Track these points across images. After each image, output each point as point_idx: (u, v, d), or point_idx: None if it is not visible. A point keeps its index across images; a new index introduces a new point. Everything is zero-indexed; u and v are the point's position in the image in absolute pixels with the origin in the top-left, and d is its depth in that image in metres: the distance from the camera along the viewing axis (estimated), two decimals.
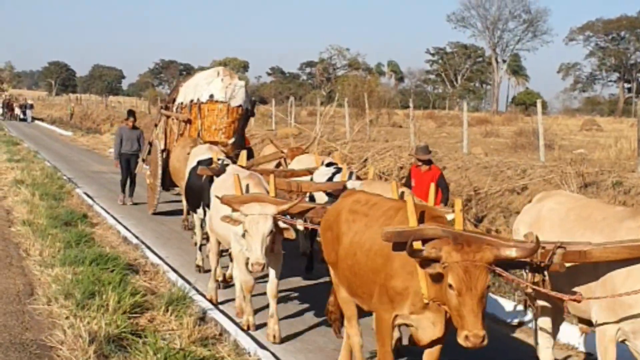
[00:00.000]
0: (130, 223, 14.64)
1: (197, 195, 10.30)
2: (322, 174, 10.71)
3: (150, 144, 16.48)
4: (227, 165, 9.73)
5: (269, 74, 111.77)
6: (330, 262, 6.72)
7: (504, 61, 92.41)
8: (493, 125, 42.76)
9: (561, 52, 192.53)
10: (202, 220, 10.70)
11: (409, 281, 5.48)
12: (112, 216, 15.10)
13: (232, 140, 14.23)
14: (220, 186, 8.74)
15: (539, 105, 20.17)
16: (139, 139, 17.46)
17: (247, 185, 8.20)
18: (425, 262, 5.13)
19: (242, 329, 8.18)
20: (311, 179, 10.68)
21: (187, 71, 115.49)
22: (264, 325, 8.22)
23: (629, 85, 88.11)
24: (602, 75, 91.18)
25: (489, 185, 15.87)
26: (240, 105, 14.78)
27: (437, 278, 5.16)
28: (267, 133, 29.55)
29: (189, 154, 11.99)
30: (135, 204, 17.30)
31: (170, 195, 17.24)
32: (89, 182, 21.08)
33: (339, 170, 10.55)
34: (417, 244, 5.22)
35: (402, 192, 7.87)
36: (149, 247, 12.32)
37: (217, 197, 8.09)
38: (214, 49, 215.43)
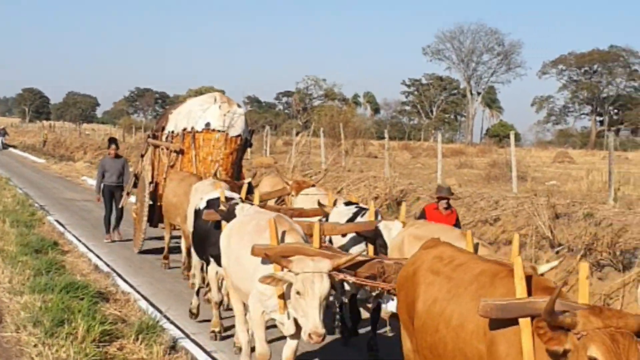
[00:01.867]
0: (102, 251, 14.51)
1: (204, 242, 8.80)
2: (341, 215, 9.12)
3: (137, 176, 15.25)
4: (237, 204, 8.10)
5: (245, 103, 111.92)
6: (404, 326, 5.62)
7: (479, 93, 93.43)
8: (467, 156, 43.05)
9: (535, 85, 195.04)
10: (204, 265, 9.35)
11: None
12: (83, 244, 14.99)
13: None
14: (239, 231, 7.12)
15: (512, 137, 20.36)
16: (123, 168, 15.96)
17: (283, 233, 6.63)
18: (554, 336, 4.01)
19: (214, 359, 8.12)
20: (325, 220, 9.15)
21: (163, 99, 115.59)
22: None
23: (601, 118, 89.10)
24: (574, 108, 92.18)
25: (462, 217, 15.92)
26: (239, 135, 13.54)
27: (559, 358, 4.06)
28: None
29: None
30: (128, 240, 15.72)
31: (155, 230, 15.69)
32: (61, 209, 20.89)
33: (360, 209, 9.13)
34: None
35: (477, 244, 6.57)
36: (120, 276, 12.25)
37: (253, 248, 6.46)
38: (190, 78, 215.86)
